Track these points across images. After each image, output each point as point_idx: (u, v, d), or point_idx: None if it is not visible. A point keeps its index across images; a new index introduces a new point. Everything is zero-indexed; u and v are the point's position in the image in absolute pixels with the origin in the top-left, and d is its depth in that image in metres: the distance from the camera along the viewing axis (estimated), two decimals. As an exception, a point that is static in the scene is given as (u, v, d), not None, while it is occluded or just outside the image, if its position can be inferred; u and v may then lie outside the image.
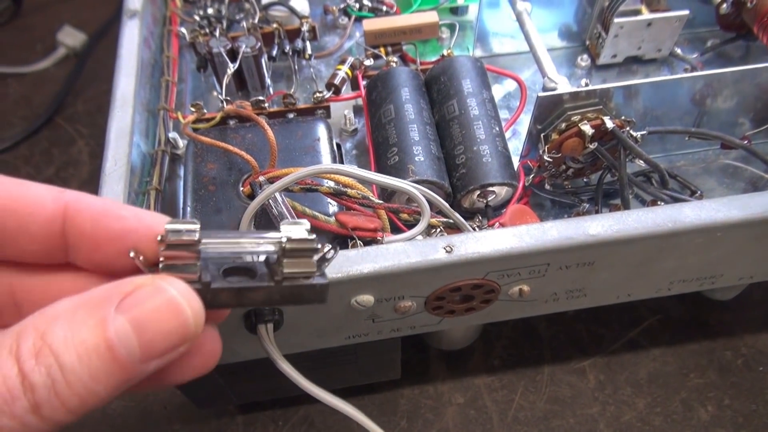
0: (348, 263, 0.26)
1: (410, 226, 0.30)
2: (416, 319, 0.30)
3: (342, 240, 0.31)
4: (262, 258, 0.19)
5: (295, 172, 0.28)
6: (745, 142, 0.36)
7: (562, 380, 0.42)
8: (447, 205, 0.28)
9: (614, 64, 0.44)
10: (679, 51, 0.43)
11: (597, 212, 0.35)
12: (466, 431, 0.40)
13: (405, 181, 0.28)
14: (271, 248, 0.19)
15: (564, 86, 0.36)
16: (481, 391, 0.42)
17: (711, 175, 0.38)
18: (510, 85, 0.43)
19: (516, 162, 0.36)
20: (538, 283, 0.29)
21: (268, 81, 0.42)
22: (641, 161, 0.33)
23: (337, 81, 0.39)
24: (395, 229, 0.31)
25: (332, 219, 0.31)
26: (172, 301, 0.16)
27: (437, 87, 0.37)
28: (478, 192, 0.34)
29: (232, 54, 0.40)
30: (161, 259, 0.17)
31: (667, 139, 0.39)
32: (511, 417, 0.41)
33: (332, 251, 0.19)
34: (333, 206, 0.33)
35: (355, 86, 0.41)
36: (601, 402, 0.41)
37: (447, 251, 0.26)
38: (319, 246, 0.19)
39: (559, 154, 0.33)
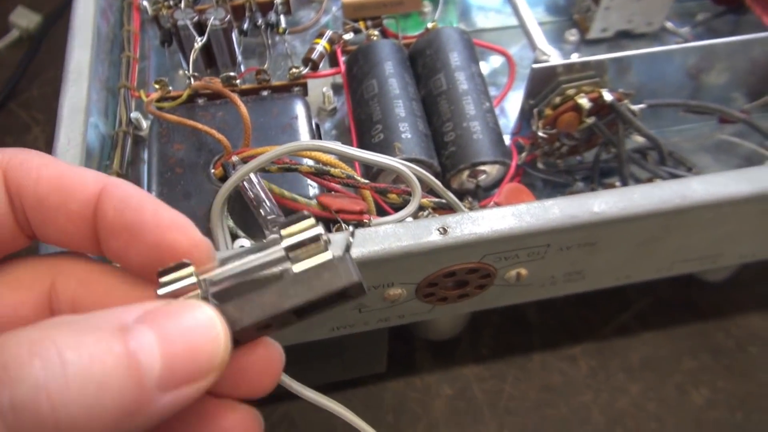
0: (332, 249, 0.23)
1: (398, 208, 0.28)
2: (406, 307, 0.28)
3: (324, 224, 0.28)
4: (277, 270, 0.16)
5: (272, 149, 0.25)
6: (744, 116, 0.34)
7: (553, 367, 0.41)
8: (439, 183, 0.26)
9: (604, 38, 0.42)
10: (670, 25, 0.42)
11: (593, 191, 0.33)
12: (456, 424, 0.38)
13: (393, 158, 0.25)
14: (279, 254, 0.16)
15: (557, 59, 0.34)
16: (469, 381, 0.40)
17: (707, 152, 0.37)
18: (496, 61, 0.41)
19: (507, 140, 0.34)
20: (536, 266, 0.27)
21: (239, 57, 0.39)
22: (639, 137, 0.32)
23: (314, 56, 0.37)
24: (381, 212, 0.29)
25: (313, 202, 0.28)
26: (211, 319, 0.14)
27: (423, 61, 0.35)
28: (468, 171, 0.32)
29: (200, 27, 0.37)
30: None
31: (661, 115, 0.37)
32: (502, 407, 0.39)
33: (353, 231, 0.17)
34: (313, 188, 0.30)
35: (334, 62, 0.38)
36: (594, 389, 0.40)
37: (441, 233, 0.24)
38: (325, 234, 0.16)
39: (554, 130, 0.32)
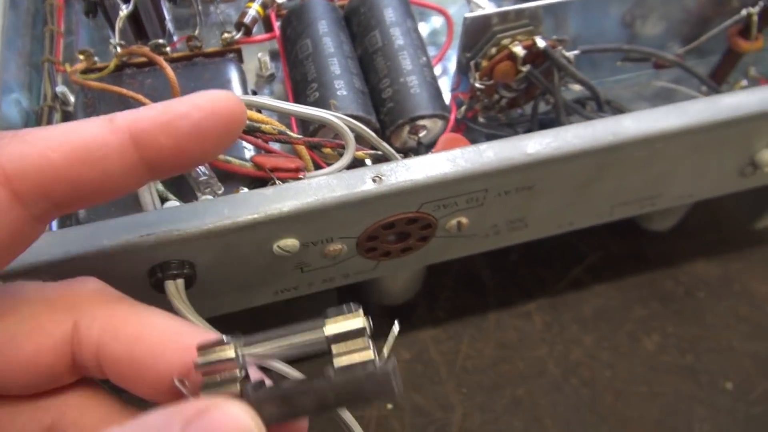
0: (266, 202, 0.23)
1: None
2: (349, 265, 0.28)
3: (261, 184, 0.28)
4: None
5: (198, 105, 0.24)
6: (677, 59, 0.35)
7: (508, 325, 0.41)
8: (372, 133, 0.26)
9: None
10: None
11: (533, 141, 0.33)
12: (415, 387, 0.38)
13: (324, 110, 0.25)
14: (318, 337, 0.16)
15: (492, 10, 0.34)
16: (427, 344, 0.40)
17: (644, 100, 0.37)
18: (437, 21, 0.41)
19: (448, 96, 0.34)
20: (476, 213, 0.27)
21: (170, 26, 0.38)
22: (576, 84, 0.32)
23: (247, 20, 0.35)
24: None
25: (248, 163, 0.28)
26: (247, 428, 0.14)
27: (357, 19, 0.34)
28: (408, 127, 0.31)
29: (123, -5, 0.35)
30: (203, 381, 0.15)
31: (599, 65, 0.37)
32: (459, 367, 0.39)
33: (396, 327, 0.17)
34: (249, 151, 0.29)
35: (269, 28, 0.37)
36: (549, 342, 0.40)
37: (375, 181, 0.24)
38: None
39: (491, 81, 0.31)
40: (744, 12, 0.33)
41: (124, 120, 0.16)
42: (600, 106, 0.32)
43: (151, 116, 0.16)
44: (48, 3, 0.38)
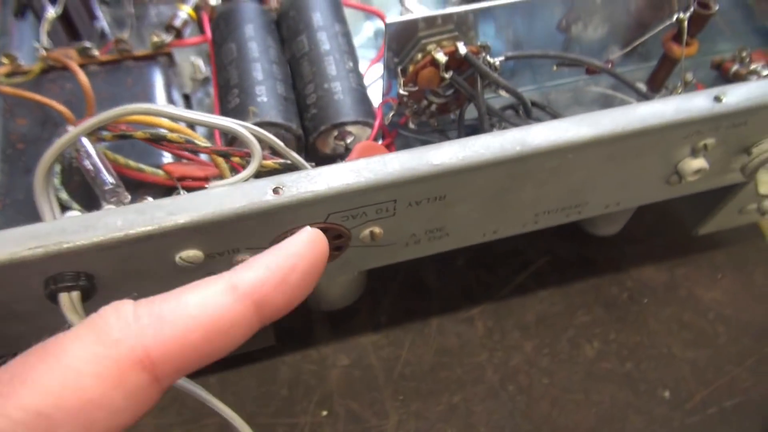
0: (162, 213, 0.22)
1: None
2: (264, 274, 0.27)
3: (168, 192, 0.27)
4: None
5: (98, 116, 0.24)
6: (609, 66, 0.34)
7: (450, 331, 0.41)
8: (280, 143, 0.25)
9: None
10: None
11: (461, 148, 0.33)
12: (351, 393, 0.38)
13: (226, 118, 0.24)
14: None
15: (437, 11, 0.34)
16: (367, 350, 0.40)
17: (581, 106, 0.37)
18: (380, 24, 0.41)
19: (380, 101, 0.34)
20: (389, 223, 0.27)
21: (105, 28, 0.38)
22: (503, 91, 0.31)
23: (177, 23, 0.35)
24: (236, 178, 0.28)
25: (160, 171, 0.27)
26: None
27: (287, 23, 0.34)
28: (334, 133, 0.31)
29: (52, -3, 0.35)
30: None
31: (537, 69, 0.37)
32: (397, 373, 0.39)
33: None
34: (167, 158, 0.29)
35: (203, 30, 0.37)
36: (489, 348, 0.40)
37: (276, 192, 0.23)
38: None
39: (416, 88, 0.31)
40: (674, 18, 0.33)
41: (246, 287, 0.17)
42: (527, 112, 0.32)
43: (268, 279, 0.17)
44: (-22, 4, 0.37)
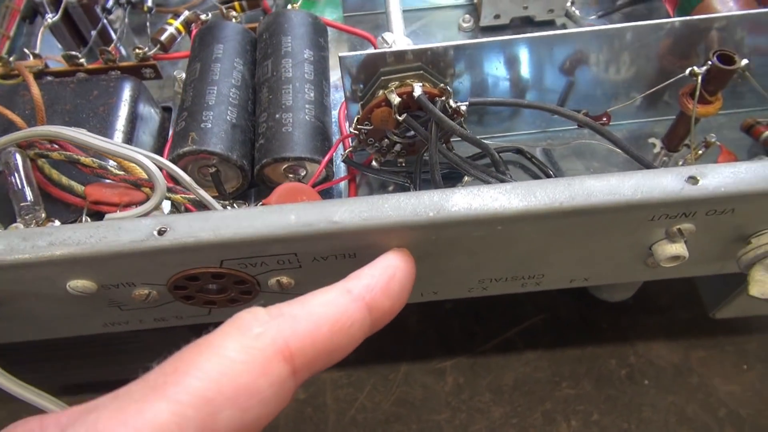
0: (43, 242, 0.22)
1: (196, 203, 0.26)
2: (173, 308, 0.27)
3: (98, 216, 0.27)
4: None
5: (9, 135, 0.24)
6: (604, 119, 0.30)
7: (416, 381, 0.38)
8: (187, 178, 0.24)
9: (502, 26, 0.38)
10: (576, 11, 0.38)
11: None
12: (296, 431, 0.36)
13: (132, 147, 0.24)
14: None
15: (402, 47, 0.31)
16: (325, 387, 0.38)
17: (580, 157, 0.33)
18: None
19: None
20: (298, 274, 0.25)
21: (111, 34, 0.38)
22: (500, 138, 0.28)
23: (163, 37, 0.35)
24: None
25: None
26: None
27: (260, 46, 0.33)
28: (283, 166, 0.30)
29: (58, 4, 0.36)
30: None
31: (537, 113, 0.33)
32: (348, 418, 0.37)
33: None
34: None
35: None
36: (453, 407, 0.37)
37: (161, 234, 0.22)
38: None
39: (371, 126, 0.29)
40: (687, 71, 0.28)
41: (359, 290, 0.20)
42: (495, 164, 0.28)
43: (376, 284, 0.20)
44: (4, 5, 0.39)
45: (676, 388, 0.37)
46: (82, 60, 0.34)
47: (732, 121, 0.34)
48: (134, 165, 0.26)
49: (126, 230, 0.22)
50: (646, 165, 0.28)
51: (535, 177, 0.32)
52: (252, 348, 0.17)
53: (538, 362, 0.38)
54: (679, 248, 0.24)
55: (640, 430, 0.35)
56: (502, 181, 0.28)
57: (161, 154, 0.33)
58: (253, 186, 0.31)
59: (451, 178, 0.32)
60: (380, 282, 0.20)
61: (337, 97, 0.35)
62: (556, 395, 0.37)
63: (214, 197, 0.29)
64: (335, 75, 0.35)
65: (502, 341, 0.39)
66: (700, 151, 0.31)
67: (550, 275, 0.27)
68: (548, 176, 0.31)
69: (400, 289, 0.21)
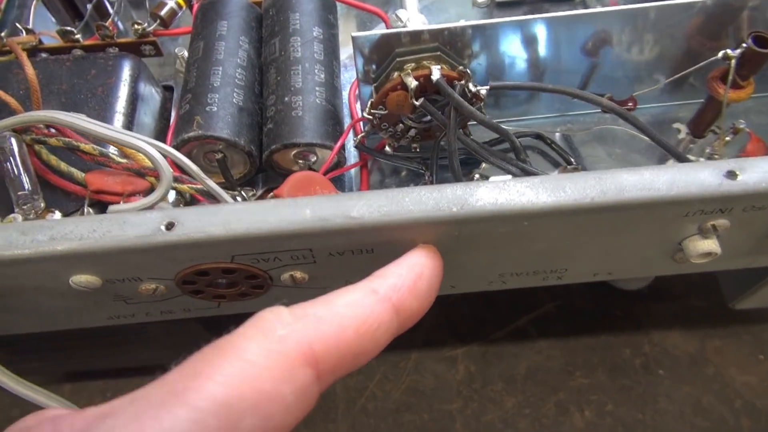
0: (43, 237, 0.21)
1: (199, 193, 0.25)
2: (182, 301, 0.25)
3: (100, 205, 0.26)
4: None
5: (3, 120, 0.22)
6: (630, 104, 0.29)
7: (427, 369, 0.37)
8: (196, 169, 0.23)
9: (516, 1, 0.36)
10: (596, -14, 0.36)
11: (432, 183, 0.29)
12: (306, 420, 0.36)
13: (136, 135, 0.22)
14: None
15: (415, 26, 0.30)
16: (334, 375, 0.38)
17: (602, 143, 0.32)
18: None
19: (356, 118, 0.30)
20: (312, 269, 0.23)
21: (108, 8, 0.36)
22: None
23: (163, 12, 0.33)
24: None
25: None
26: None
27: (266, 22, 0.31)
28: (293, 151, 0.28)
29: (51, -24, 0.34)
30: None
31: (555, 96, 0.32)
32: (358, 407, 0.36)
33: None
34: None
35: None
36: (465, 397, 0.36)
37: (169, 228, 0.21)
38: None
39: (386, 111, 0.27)
40: (720, 54, 0.26)
41: (386, 290, 0.19)
42: (516, 152, 0.27)
43: (403, 284, 0.19)
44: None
45: (691, 378, 0.36)
46: (78, 36, 0.33)
47: (759, 105, 0.32)
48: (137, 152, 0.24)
49: (131, 224, 0.21)
50: (675, 154, 0.27)
51: (555, 164, 0.31)
52: (276, 352, 0.16)
53: (550, 351, 0.38)
54: (711, 244, 0.23)
55: (655, 420, 0.35)
56: (523, 169, 0.27)
57: (163, 137, 0.32)
58: (260, 171, 0.30)
59: (468, 164, 0.31)
60: (407, 281, 0.19)
61: (346, 76, 0.34)
62: (570, 385, 0.36)
63: (220, 184, 0.28)
64: (344, 53, 0.34)
65: (514, 329, 0.39)
66: (728, 138, 0.29)
67: (573, 269, 0.26)
68: (569, 163, 0.30)
69: (428, 288, 0.20)
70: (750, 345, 0.37)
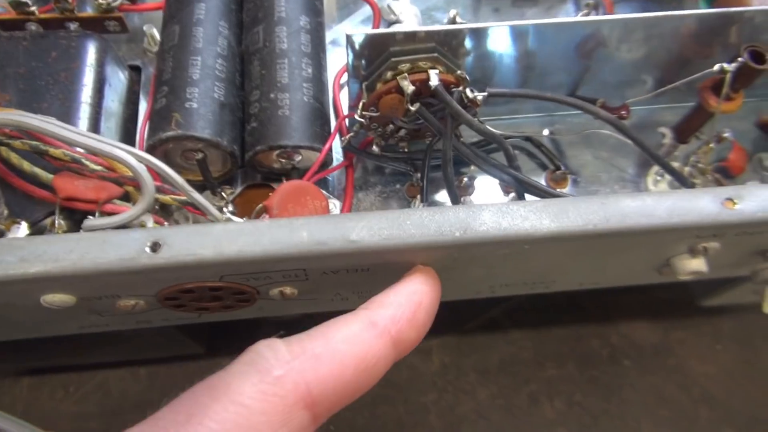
0: (12, 258, 0.19)
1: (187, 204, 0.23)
2: (161, 313, 0.24)
3: (70, 211, 0.24)
4: None
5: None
6: (623, 111, 0.28)
7: (403, 361, 0.37)
8: (180, 180, 0.21)
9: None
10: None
11: (422, 187, 0.28)
12: (281, 413, 0.36)
13: (112, 141, 0.20)
14: None
15: (409, 22, 0.28)
16: (309, 367, 0.37)
17: (589, 146, 0.32)
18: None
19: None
20: (303, 286, 0.23)
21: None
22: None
23: (130, -15, 0.30)
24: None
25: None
26: None
27: (248, 6, 0.29)
28: (276, 152, 0.27)
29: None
30: None
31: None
32: (334, 400, 0.36)
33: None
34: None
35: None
36: (439, 389, 0.37)
37: (154, 249, 0.19)
38: None
39: (377, 113, 0.26)
40: (716, 67, 0.26)
41: (385, 323, 0.18)
42: (509, 158, 0.26)
43: (403, 315, 0.18)
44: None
45: (655, 369, 0.38)
46: (33, 8, 0.30)
47: (741, 111, 0.33)
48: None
49: (112, 245, 0.19)
50: (664, 166, 0.27)
51: (542, 165, 0.31)
52: (272, 395, 0.16)
53: (522, 342, 0.38)
54: (700, 264, 0.23)
55: (620, 410, 0.36)
56: (516, 177, 0.26)
57: (132, 123, 0.30)
58: (239, 167, 0.28)
59: (455, 164, 0.30)
60: (407, 312, 0.19)
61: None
62: (541, 376, 0.37)
63: (200, 183, 0.26)
64: (328, 38, 0.32)
65: (487, 320, 0.39)
66: (712, 145, 0.30)
67: (562, 281, 0.26)
68: (557, 167, 0.30)
69: (426, 317, 0.20)
70: (709, 336, 0.39)
